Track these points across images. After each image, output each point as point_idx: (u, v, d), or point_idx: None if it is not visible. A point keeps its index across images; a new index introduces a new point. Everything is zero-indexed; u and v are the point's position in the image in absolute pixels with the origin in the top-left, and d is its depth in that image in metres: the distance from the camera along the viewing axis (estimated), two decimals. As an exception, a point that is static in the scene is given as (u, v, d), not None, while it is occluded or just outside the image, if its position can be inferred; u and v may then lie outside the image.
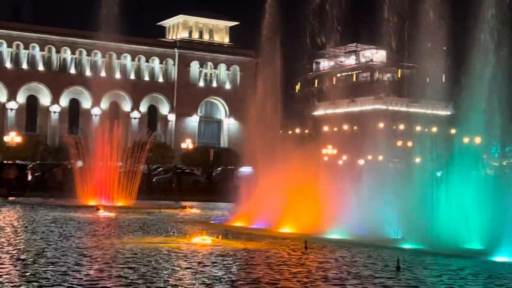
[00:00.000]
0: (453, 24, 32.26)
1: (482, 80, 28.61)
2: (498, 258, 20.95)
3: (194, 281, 15.29)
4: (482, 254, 21.95)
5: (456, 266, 19.44)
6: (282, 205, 31.00)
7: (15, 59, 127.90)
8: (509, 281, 17.10)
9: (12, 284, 13.83)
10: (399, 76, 45.06)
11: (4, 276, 14.75)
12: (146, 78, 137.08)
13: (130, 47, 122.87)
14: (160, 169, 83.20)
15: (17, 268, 16.46)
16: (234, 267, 18.29)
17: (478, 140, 32.31)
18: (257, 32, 38.73)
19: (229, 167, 78.88)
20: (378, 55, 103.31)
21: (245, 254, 20.99)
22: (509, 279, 17.45)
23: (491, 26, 28.29)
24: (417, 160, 35.96)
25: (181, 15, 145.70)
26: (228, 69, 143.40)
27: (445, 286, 16.08)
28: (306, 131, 37.68)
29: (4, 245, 21.77)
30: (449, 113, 39.87)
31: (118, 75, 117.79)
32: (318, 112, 40.67)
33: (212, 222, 32.79)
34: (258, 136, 37.79)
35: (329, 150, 41.44)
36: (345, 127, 42.85)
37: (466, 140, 34.08)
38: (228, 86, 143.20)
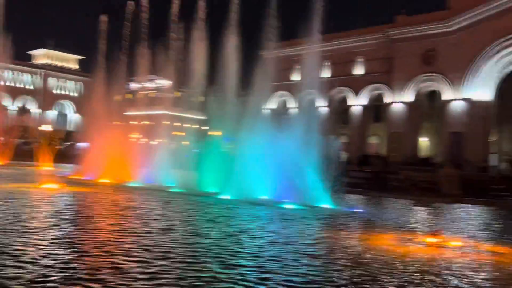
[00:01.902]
0: (208, 69, 32.68)
1: (221, 100, 29.24)
2: (222, 196, 21.99)
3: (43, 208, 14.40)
4: (216, 194, 22.80)
5: (201, 200, 20.20)
6: (103, 165, 29.89)
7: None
8: (223, 205, 18.39)
9: None
10: (177, 95, 46.11)
11: None
12: (21, 85, 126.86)
13: (13, 66, 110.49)
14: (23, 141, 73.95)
15: None
16: (71, 201, 17.37)
17: (218, 133, 33.16)
18: (94, 64, 37.30)
19: (72, 142, 72.96)
20: (166, 83, 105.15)
21: (79, 194, 20.01)
22: (223, 204, 18.82)
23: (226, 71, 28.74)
24: (186, 143, 36.41)
25: (42, 49, 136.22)
26: (76, 84, 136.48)
27: (189, 207, 16.74)
28: (121, 123, 36.52)
29: None
30: (204, 117, 40.57)
31: (1, 83, 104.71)
32: (128, 113, 40.25)
33: (59, 175, 30.42)
34: (92, 124, 36.04)
35: (135, 135, 40.21)
36: (146, 122, 42.03)
37: (212, 133, 35.07)
38: (75, 94, 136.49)
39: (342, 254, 10.20)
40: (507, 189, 32.76)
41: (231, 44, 27.82)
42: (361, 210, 20.34)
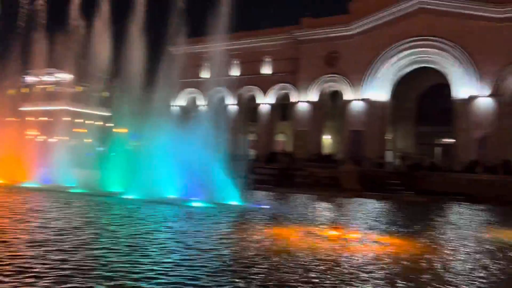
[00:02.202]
0: (113, 63, 31.27)
1: (126, 96, 28.19)
2: (126, 196, 21.30)
3: None
4: (119, 194, 22.00)
5: (103, 200, 19.34)
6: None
7: None
8: (127, 205, 17.90)
9: None
10: (78, 89, 43.58)
11: None
12: None
13: None
14: None
15: None
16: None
17: (124, 130, 32.05)
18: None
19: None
20: (67, 77, 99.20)
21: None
22: (126, 204, 18.28)
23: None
24: (88, 140, 34.77)
25: None
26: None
27: (89, 208, 16.04)
28: (16, 119, 33.86)
29: None
30: (109, 114, 38.88)
31: None
32: (24, 108, 37.58)
33: None
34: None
35: (32, 132, 37.59)
36: (45, 118, 39.42)
37: (117, 130, 33.79)
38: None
39: (245, 250, 10.32)
40: (401, 183, 35.51)
41: (137, 37, 26.91)
42: (267, 206, 20.80)
